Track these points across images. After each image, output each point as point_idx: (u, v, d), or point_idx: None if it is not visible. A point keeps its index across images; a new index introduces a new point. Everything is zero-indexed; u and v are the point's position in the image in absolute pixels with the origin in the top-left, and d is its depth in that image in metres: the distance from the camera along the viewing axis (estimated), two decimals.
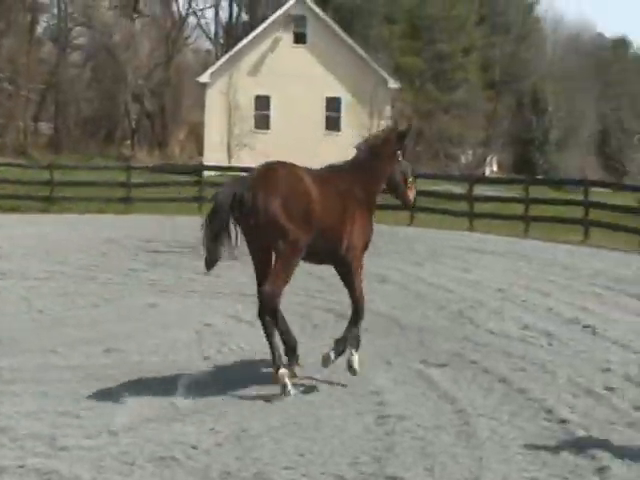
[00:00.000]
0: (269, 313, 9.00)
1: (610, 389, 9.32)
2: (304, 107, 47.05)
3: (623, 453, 7.37)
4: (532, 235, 24.97)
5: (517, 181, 34.52)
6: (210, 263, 8.85)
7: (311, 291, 14.83)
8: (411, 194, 9.76)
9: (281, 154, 43.90)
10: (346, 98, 48.03)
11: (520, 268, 18.25)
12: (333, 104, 48.54)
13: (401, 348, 10.92)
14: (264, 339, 9.02)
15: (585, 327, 12.44)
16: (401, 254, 19.96)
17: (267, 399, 8.74)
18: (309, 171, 9.13)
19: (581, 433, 7.89)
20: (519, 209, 26.52)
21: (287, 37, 48.90)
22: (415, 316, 12.96)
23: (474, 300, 14.15)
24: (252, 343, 11.15)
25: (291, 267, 8.90)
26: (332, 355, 9.36)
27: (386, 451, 7.38)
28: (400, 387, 9.26)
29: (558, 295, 14.91)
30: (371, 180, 9.42)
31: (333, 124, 48.65)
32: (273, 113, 48.48)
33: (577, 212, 25.34)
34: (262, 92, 48.06)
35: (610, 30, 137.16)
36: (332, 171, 9.53)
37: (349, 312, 10.21)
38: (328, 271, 16.88)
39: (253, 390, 9.08)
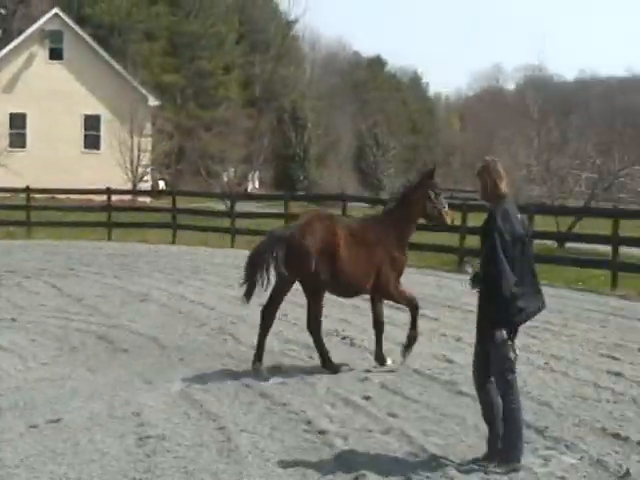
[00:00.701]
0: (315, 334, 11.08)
1: (367, 398, 9.60)
2: (62, 125, 45.88)
3: (379, 460, 7.62)
4: None
5: (278, 197, 34.99)
6: (248, 293, 10.86)
7: (69, 313, 14.50)
8: (448, 219, 11.26)
9: (38, 173, 42.20)
10: (105, 116, 47.16)
11: None
12: (92, 122, 47.54)
13: (162, 367, 10.83)
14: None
15: (343, 338, 12.77)
16: (163, 273, 19.83)
17: (22, 428, 8.45)
18: (344, 225, 11.09)
19: (339, 442, 8.08)
20: (280, 224, 26.74)
21: (42, 53, 47.51)
22: (176, 334, 12.89)
23: (236, 316, 14.22)
24: (6, 369, 10.76)
25: (318, 299, 10.99)
26: (405, 353, 10.94)
27: (147, 472, 7.31)
28: (161, 407, 9.17)
29: None
30: (402, 224, 11.08)
31: (92, 142, 47.67)
32: (29, 131, 46.94)
33: None
34: (17, 109, 46.45)
35: (366, 49, 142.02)
36: (365, 223, 11.46)
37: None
38: (83, 294, 16.58)
39: (7, 418, 8.76)
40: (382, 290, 11.07)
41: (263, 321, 11.00)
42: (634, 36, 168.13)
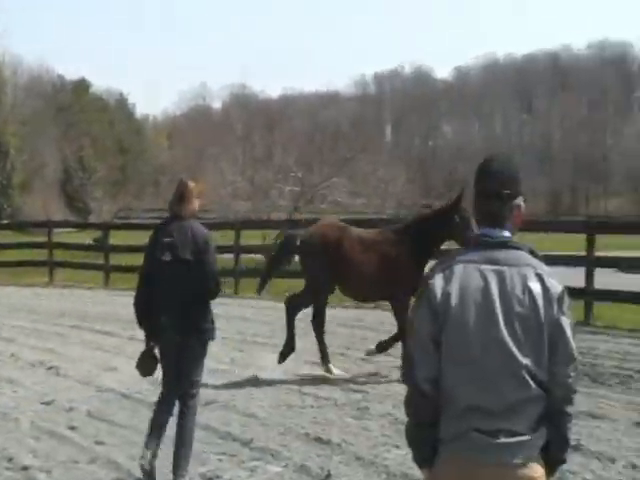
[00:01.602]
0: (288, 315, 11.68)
1: (73, 428, 9.38)
2: None
3: None
4: None
5: None
6: (262, 286, 12.25)
7: None
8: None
9: None
10: None
11: None
12: None
13: None
14: None
15: (49, 369, 12.43)
16: None
17: None
18: (355, 234, 11.64)
19: (42, 477, 7.84)
20: None
21: None
22: None
23: None
24: None
25: (312, 294, 11.72)
26: (375, 350, 11.71)
27: None
28: None
29: (22, 340, 14.75)
30: (421, 243, 11.23)
31: None
32: None
33: (43, 254, 25.14)
34: None
35: (70, 72, 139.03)
36: (379, 234, 11.80)
37: None
38: None
39: None
40: (390, 301, 11.70)
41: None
42: (334, 52, 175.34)
